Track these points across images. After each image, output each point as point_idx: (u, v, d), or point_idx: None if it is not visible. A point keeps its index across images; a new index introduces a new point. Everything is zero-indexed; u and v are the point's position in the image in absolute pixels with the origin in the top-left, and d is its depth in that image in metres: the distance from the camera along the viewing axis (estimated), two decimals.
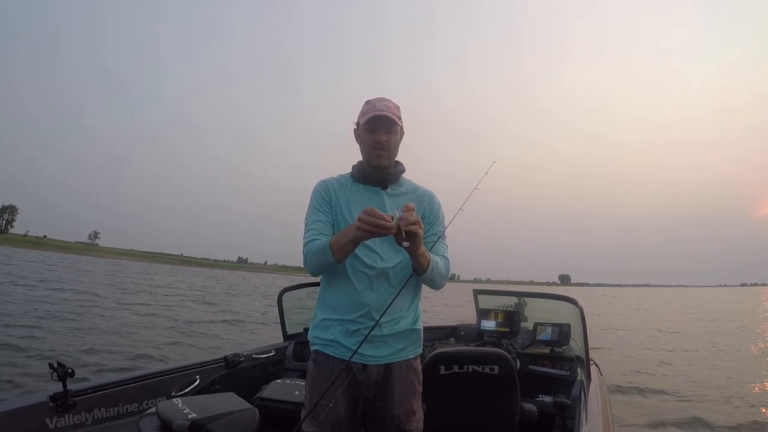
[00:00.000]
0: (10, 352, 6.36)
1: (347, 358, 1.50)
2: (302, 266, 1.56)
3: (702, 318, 21.06)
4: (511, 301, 3.54)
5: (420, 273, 1.54)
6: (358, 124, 1.65)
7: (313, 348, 1.63)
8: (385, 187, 1.66)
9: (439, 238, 1.66)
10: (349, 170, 1.71)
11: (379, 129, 1.58)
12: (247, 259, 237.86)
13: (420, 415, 1.65)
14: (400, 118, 1.61)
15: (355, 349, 1.48)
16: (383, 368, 1.58)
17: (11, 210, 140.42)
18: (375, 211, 1.33)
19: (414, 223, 1.35)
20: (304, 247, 1.56)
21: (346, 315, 1.57)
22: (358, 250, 1.52)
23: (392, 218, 1.35)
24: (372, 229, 1.32)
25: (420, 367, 1.69)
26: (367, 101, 1.64)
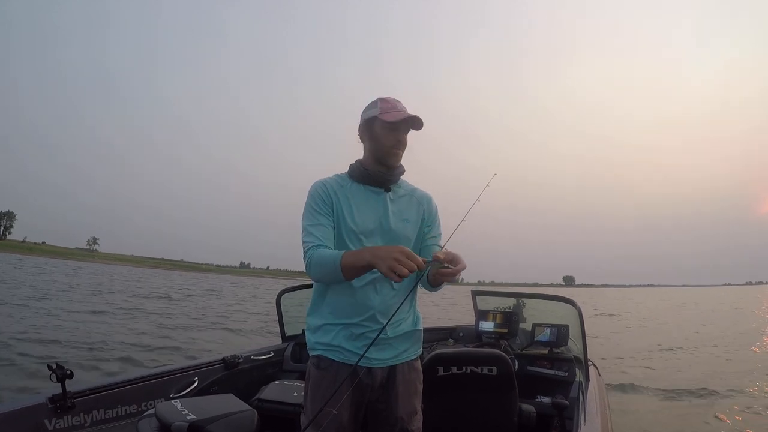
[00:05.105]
0: None
1: (353, 363, 1.48)
2: (303, 270, 1.53)
3: (701, 318, 21.01)
4: (510, 302, 3.55)
5: (435, 286, 1.57)
6: (374, 120, 1.60)
7: (314, 353, 1.60)
8: (388, 189, 1.64)
9: (443, 245, 1.64)
10: (346, 170, 1.68)
11: (401, 129, 1.58)
12: (249, 264, 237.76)
13: (420, 415, 1.66)
14: None
15: (361, 353, 1.46)
16: (387, 370, 1.58)
17: (9, 216, 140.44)
18: (411, 254, 1.32)
19: (447, 275, 1.40)
20: (305, 252, 1.51)
21: (349, 319, 1.55)
22: (351, 250, 1.50)
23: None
24: (406, 271, 1.29)
25: (420, 367, 1.70)
26: (382, 99, 1.60)
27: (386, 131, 1.58)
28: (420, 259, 1.32)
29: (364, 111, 1.63)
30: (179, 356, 7.41)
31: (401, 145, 1.60)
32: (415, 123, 1.59)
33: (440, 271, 1.41)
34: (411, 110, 1.60)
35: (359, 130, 1.65)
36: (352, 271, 1.41)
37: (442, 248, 1.70)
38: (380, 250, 1.35)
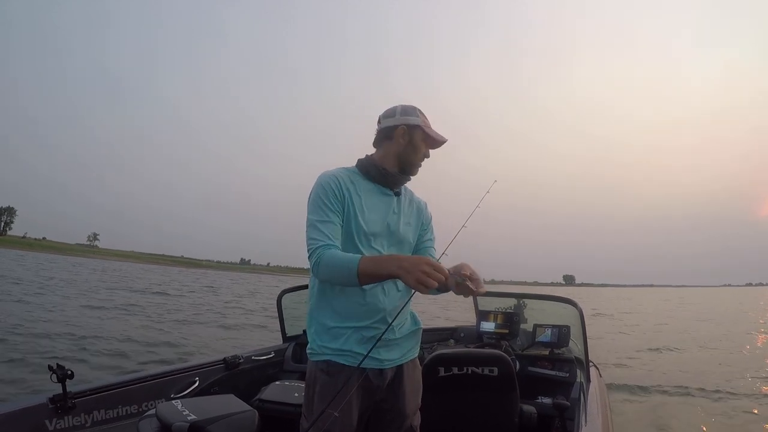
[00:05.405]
0: None
1: (364, 366, 1.45)
2: (303, 268, 1.52)
3: (701, 319, 21.05)
4: (511, 302, 3.55)
5: (442, 291, 1.53)
6: (416, 128, 1.60)
7: (322, 358, 1.51)
8: (398, 193, 1.63)
9: (444, 249, 1.65)
10: (353, 165, 1.63)
11: (427, 146, 1.64)
12: (249, 260, 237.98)
13: (418, 412, 1.68)
14: None
15: (373, 356, 1.43)
16: (395, 370, 1.59)
17: (9, 212, 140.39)
18: (439, 266, 1.27)
19: (468, 293, 1.38)
20: (313, 251, 1.42)
21: (360, 322, 1.50)
22: (369, 256, 1.44)
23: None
24: (434, 284, 1.25)
25: (419, 365, 1.72)
26: (419, 109, 1.63)
27: (423, 144, 1.61)
28: (446, 271, 1.29)
29: (403, 114, 1.60)
30: (173, 352, 7.45)
31: (424, 160, 1.65)
32: (439, 145, 1.67)
33: (462, 285, 1.37)
34: None
35: (394, 129, 1.59)
36: (369, 278, 1.36)
37: (435, 251, 1.75)
38: (405, 262, 1.29)
